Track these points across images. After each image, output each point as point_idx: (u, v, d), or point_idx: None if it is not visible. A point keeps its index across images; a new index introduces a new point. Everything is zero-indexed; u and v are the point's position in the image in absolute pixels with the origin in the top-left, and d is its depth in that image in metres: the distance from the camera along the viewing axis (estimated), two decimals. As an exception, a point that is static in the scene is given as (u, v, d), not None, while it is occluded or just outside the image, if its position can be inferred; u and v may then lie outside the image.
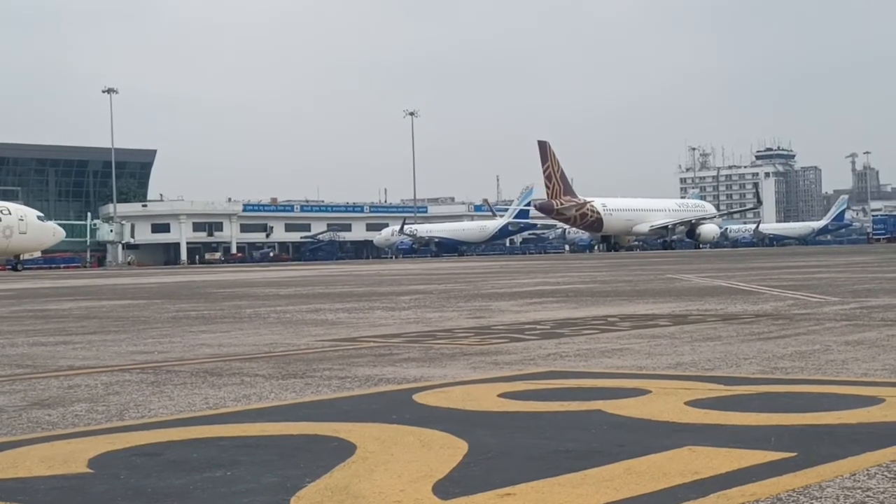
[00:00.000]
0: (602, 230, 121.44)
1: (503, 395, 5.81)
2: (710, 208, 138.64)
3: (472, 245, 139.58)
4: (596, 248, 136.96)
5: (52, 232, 78.96)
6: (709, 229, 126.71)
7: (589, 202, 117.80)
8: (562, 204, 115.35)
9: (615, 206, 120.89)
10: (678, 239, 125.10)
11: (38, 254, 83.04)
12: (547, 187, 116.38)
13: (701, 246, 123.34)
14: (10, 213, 74.85)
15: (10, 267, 79.82)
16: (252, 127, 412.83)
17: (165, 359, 8.55)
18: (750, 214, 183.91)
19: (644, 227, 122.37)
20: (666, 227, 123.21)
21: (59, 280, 43.88)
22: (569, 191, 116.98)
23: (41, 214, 79.35)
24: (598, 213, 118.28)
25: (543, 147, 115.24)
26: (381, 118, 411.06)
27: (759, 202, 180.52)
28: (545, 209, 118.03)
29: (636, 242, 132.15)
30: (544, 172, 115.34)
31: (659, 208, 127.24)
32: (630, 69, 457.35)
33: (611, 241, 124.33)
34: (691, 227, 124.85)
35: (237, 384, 6.72)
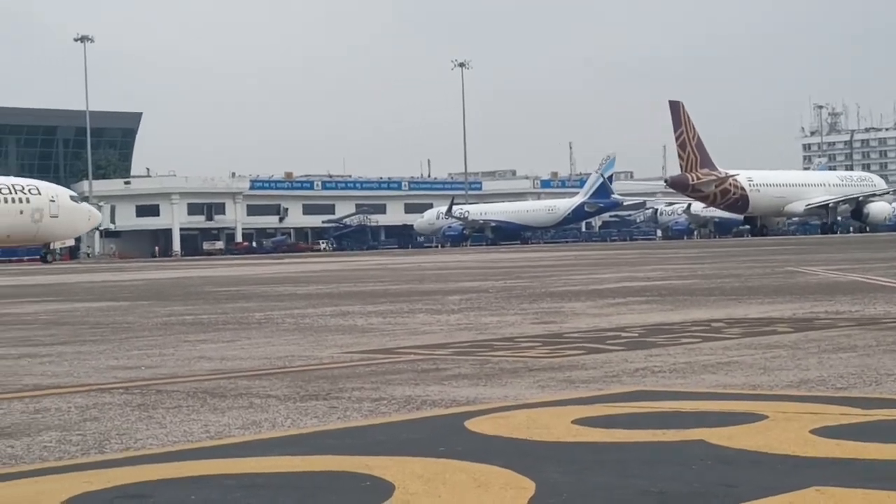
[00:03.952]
0: (747, 210, 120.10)
1: (578, 422, 5.81)
2: (878, 181, 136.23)
3: (538, 230, 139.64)
4: (695, 234, 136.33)
5: (88, 215, 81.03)
6: (879, 208, 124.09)
7: (732, 176, 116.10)
8: (698, 178, 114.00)
9: (763, 181, 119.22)
10: (841, 220, 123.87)
11: (70, 242, 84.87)
12: (680, 158, 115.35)
13: (868, 229, 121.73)
14: (39, 193, 76.75)
15: (39, 258, 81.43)
16: (260, 86, 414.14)
17: (154, 375, 8.61)
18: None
19: (798, 207, 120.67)
20: (826, 206, 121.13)
21: (22, 276, 44.31)
22: (707, 162, 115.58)
23: (74, 194, 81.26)
24: (742, 189, 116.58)
25: (676, 108, 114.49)
26: (423, 71, 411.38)
27: None
28: (679, 184, 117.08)
29: (789, 225, 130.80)
30: (677, 140, 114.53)
31: (817, 182, 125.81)
32: (731, 6, 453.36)
33: (756, 224, 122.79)
34: (857, 206, 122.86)
35: (244, 408, 6.76)
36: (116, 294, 24.74)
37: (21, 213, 75.71)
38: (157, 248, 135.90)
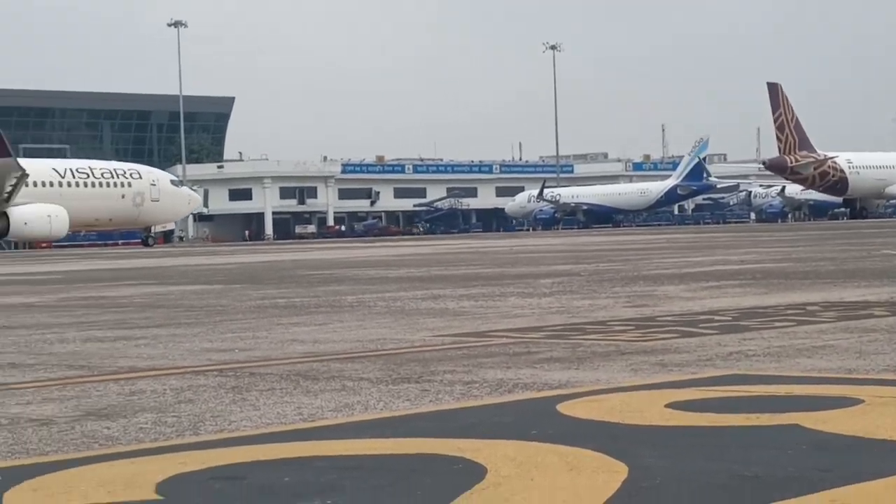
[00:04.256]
0: (846, 193, 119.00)
1: (672, 405, 5.79)
2: None
3: (630, 213, 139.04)
4: (790, 216, 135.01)
5: (188, 199, 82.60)
6: None
7: (831, 158, 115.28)
8: (797, 160, 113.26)
9: (863, 163, 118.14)
10: None
11: (171, 225, 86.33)
12: (778, 140, 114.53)
13: None
14: (140, 177, 78.30)
15: (140, 241, 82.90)
16: (351, 69, 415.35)
17: (248, 358, 8.69)
18: None
19: None
20: None
21: (117, 260, 44.83)
22: (805, 144, 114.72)
23: (175, 178, 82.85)
24: (841, 171, 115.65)
25: (774, 90, 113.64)
26: (514, 54, 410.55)
27: None
28: (777, 167, 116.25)
29: (886, 208, 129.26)
30: (775, 122, 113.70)
31: None
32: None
33: (856, 207, 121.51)
34: None
35: (337, 390, 6.80)
36: (210, 277, 24.96)
37: (123, 197, 76.95)
38: (247, 231, 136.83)
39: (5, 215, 70.90)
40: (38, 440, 5.43)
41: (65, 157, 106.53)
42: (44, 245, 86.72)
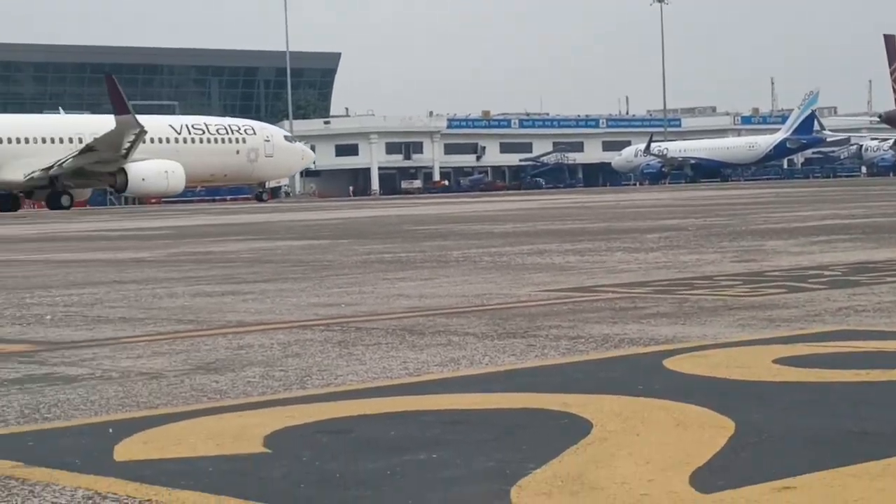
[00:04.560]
0: None
1: (780, 361, 5.74)
2: None
3: (738, 168, 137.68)
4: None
5: (301, 155, 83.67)
6: None
7: None
8: None
9: None
10: None
11: (285, 181, 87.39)
12: (895, 91, 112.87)
13: None
14: (254, 133, 79.37)
15: (253, 196, 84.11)
16: (455, 23, 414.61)
17: (354, 313, 8.74)
18: None
19: None
20: None
21: (224, 216, 45.28)
22: None
23: (288, 134, 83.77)
24: None
25: (891, 42, 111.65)
26: (621, 6, 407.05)
27: None
28: (894, 120, 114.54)
29: None
30: (892, 74, 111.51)
31: None
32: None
33: None
34: None
35: (443, 345, 6.82)
36: (317, 233, 25.12)
37: (237, 153, 77.75)
38: (351, 187, 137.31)
39: (123, 171, 71.83)
40: (147, 393, 5.51)
41: (173, 113, 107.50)
42: (153, 201, 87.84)
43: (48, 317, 9.12)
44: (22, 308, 9.89)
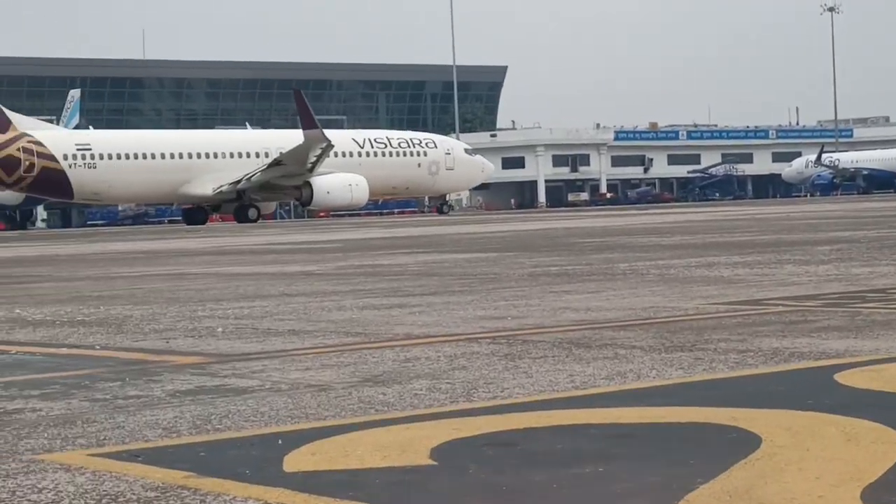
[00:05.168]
0: None
1: (956, 376, 5.62)
2: None
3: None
4: None
5: (482, 167, 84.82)
6: None
7: None
8: None
9: None
10: None
11: (466, 193, 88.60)
12: None
13: None
14: (435, 147, 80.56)
15: (434, 209, 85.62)
16: (620, 33, 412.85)
17: (521, 326, 8.75)
18: None
19: None
20: None
21: (392, 228, 45.62)
22: None
23: (468, 147, 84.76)
24: None
25: None
26: (791, 17, 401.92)
27: None
28: None
29: None
30: None
31: None
32: None
33: None
34: None
35: (609, 358, 6.80)
36: (483, 245, 25.21)
37: (419, 166, 78.68)
38: (513, 200, 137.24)
39: (309, 185, 72.95)
40: (316, 405, 5.58)
41: (342, 127, 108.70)
42: (321, 214, 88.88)
43: (219, 329, 9.29)
44: (194, 321, 10.09)
